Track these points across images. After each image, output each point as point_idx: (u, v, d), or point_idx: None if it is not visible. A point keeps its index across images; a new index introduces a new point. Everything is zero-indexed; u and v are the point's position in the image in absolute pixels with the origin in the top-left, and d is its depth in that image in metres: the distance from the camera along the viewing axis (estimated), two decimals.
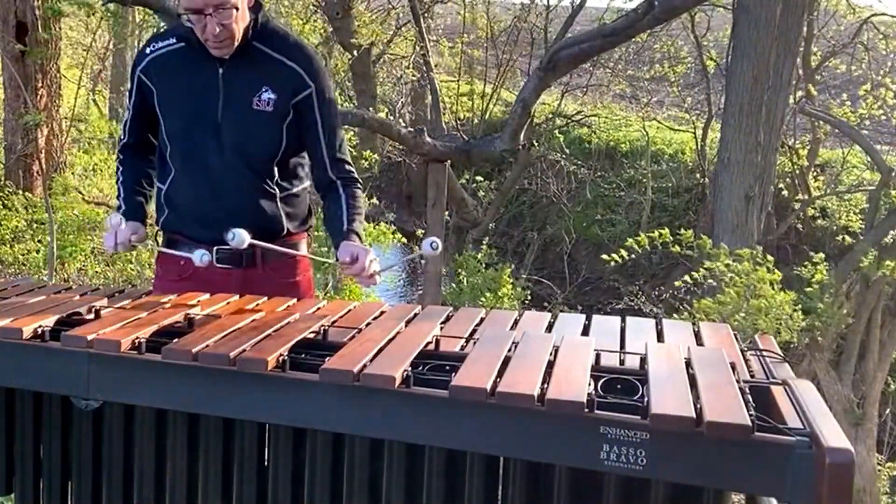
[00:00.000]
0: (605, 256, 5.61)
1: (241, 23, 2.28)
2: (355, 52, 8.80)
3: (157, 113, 2.42)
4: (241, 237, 2.10)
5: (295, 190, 2.48)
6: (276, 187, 2.42)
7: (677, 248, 5.33)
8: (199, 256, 2.19)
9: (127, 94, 2.61)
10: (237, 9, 2.23)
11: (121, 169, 2.53)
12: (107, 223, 2.34)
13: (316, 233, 6.29)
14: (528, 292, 8.42)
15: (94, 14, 8.12)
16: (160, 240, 2.51)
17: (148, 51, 2.43)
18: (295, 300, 2.17)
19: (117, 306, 2.00)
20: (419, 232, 8.16)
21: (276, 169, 2.41)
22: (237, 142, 2.35)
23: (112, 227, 2.27)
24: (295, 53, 2.38)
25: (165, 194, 2.46)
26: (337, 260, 2.30)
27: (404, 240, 8.09)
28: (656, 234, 5.38)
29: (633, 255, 5.55)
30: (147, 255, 7.96)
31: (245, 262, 2.38)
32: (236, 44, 2.30)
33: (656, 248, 5.50)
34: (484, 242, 8.59)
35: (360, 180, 2.51)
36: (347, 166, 2.47)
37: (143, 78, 2.42)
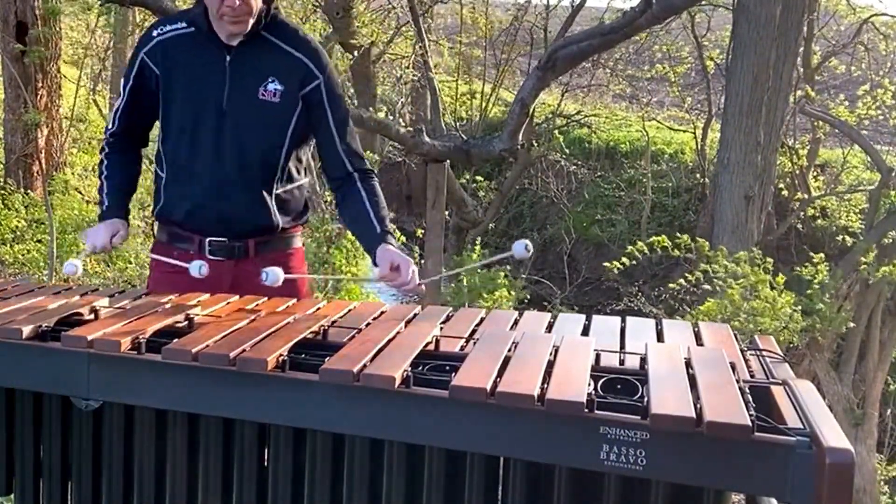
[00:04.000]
0: (606, 264, 5.64)
1: (257, 1, 2.23)
2: (355, 53, 8.79)
3: (158, 99, 2.36)
4: (274, 275, 2.10)
5: (291, 186, 2.44)
6: (274, 182, 2.38)
7: (677, 252, 5.35)
8: (198, 268, 2.18)
9: (123, 78, 2.48)
10: None
11: (105, 163, 2.46)
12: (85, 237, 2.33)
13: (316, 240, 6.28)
14: (528, 292, 8.40)
15: (91, 10, 8.11)
16: (156, 228, 2.48)
17: (155, 33, 2.36)
18: (295, 300, 2.17)
19: (117, 306, 2.00)
20: (419, 232, 8.15)
21: (278, 163, 2.37)
22: (241, 131, 2.31)
23: (69, 274, 2.22)
24: (303, 46, 2.35)
25: (164, 183, 2.41)
26: (377, 266, 2.24)
27: (403, 238, 8.06)
28: (654, 240, 5.40)
29: (634, 261, 5.58)
30: (148, 255, 7.95)
31: (238, 253, 2.37)
32: (252, 21, 2.25)
33: (656, 249, 5.51)
34: (477, 243, 8.55)
35: (376, 172, 2.46)
36: (362, 159, 2.43)
37: (146, 60, 2.35)
